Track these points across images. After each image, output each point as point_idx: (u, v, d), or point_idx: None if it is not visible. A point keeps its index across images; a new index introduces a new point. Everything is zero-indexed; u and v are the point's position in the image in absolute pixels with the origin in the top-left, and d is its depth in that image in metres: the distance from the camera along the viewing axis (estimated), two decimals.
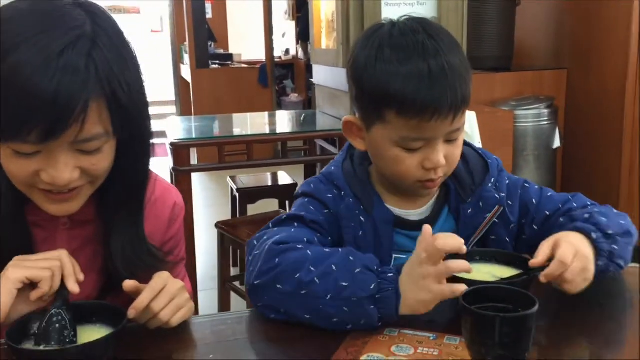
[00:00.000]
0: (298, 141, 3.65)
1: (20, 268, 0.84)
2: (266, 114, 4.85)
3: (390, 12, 2.98)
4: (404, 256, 1.00)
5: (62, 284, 0.85)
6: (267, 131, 3.38)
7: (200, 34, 6.47)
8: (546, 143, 3.49)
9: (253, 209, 3.36)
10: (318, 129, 3.26)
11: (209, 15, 7.42)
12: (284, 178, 3.54)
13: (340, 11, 2.99)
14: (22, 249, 0.91)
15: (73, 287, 0.85)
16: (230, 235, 2.72)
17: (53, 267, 0.85)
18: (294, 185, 3.37)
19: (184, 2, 6.50)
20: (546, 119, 3.46)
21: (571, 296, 0.95)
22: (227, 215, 3.61)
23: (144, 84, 0.91)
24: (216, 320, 1.04)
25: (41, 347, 0.80)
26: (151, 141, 0.97)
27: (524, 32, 3.90)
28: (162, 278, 0.94)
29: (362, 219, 1.07)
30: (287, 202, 3.43)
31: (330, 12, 3.32)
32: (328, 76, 3.39)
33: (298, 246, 0.97)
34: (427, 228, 0.92)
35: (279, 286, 0.93)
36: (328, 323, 0.91)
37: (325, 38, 3.45)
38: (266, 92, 6.65)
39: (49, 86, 0.77)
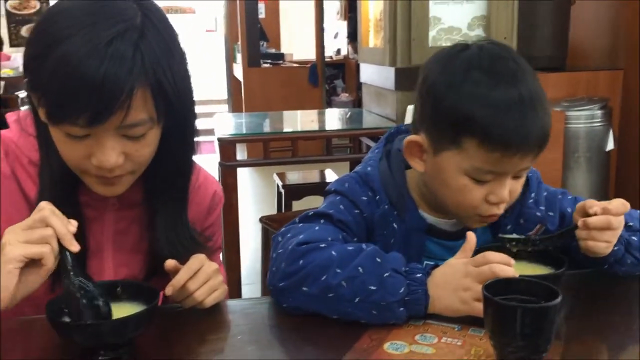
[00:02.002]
0: (344, 139, 3.66)
1: (18, 246, 0.80)
2: (314, 111, 4.88)
3: (439, 10, 2.97)
4: (433, 263, 0.99)
5: (61, 247, 0.82)
6: (314, 128, 3.41)
7: (253, 34, 6.57)
8: (599, 145, 3.39)
9: (298, 206, 3.40)
10: (364, 127, 3.27)
11: (261, 15, 7.53)
12: (331, 176, 3.56)
13: (387, 10, 2.99)
14: None
15: (72, 247, 0.83)
16: (274, 230, 2.76)
17: (47, 236, 0.81)
18: None
19: (238, 2, 6.61)
20: (599, 120, 3.36)
21: (593, 294, 0.96)
22: (272, 211, 3.67)
23: (190, 75, 0.95)
24: (246, 304, 1.07)
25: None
26: (196, 129, 1.01)
27: (578, 32, 3.80)
28: (198, 259, 0.98)
29: (395, 225, 1.06)
30: None
31: (378, 11, 3.33)
32: (375, 75, 3.39)
33: (321, 245, 0.96)
34: (471, 237, 0.94)
35: (304, 289, 0.93)
36: (354, 321, 0.92)
37: (372, 37, 3.46)
38: (316, 92, 6.68)
39: (96, 73, 0.81)
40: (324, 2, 6.64)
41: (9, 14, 7.41)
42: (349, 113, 4.02)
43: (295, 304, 0.95)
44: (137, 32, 0.85)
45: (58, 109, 0.85)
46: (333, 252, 0.95)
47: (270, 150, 2.85)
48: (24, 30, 7.47)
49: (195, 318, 0.97)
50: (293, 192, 3.40)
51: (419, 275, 0.92)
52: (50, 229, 0.81)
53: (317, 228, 1.02)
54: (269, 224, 2.80)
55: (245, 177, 5.69)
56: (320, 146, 5.86)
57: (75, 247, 0.83)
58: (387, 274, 0.91)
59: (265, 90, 6.43)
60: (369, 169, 1.10)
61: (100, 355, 0.83)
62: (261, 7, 7.53)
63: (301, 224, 1.04)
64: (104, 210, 1.04)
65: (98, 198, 1.00)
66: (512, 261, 0.90)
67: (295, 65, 7.21)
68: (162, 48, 0.88)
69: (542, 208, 1.10)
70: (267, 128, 3.45)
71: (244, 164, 3.57)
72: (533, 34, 3.51)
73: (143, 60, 0.85)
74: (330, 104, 7.63)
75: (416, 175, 1.09)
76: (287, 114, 3.79)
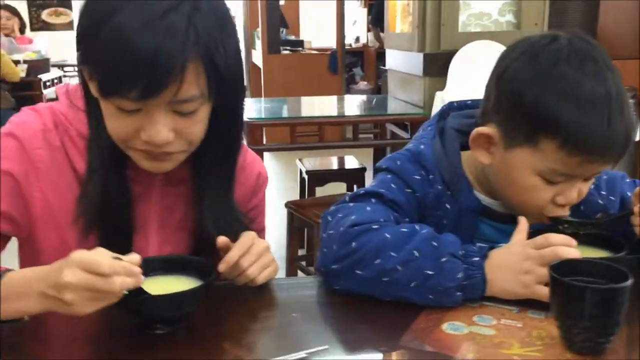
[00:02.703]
0: (366, 125, 3.64)
1: (86, 305, 0.76)
2: (335, 97, 4.85)
3: None
4: (486, 245, 0.97)
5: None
6: (338, 113, 3.39)
7: (273, 20, 6.54)
8: None
9: (320, 192, 3.38)
10: (389, 113, 3.24)
11: (281, 2, 7.50)
12: (351, 162, 3.54)
13: None
14: (121, 202, 0.95)
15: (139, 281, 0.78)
16: (300, 215, 2.75)
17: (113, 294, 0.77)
18: (362, 169, 3.38)
19: None
20: None
21: None
22: (295, 197, 3.65)
23: (240, 51, 0.93)
24: (295, 283, 1.06)
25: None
26: (244, 107, 0.99)
27: (607, 20, 3.74)
28: (250, 236, 0.97)
29: (448, 206, 1.04)
30: (354, 186, 3.43)
31: None
32: (401, 60, 3.36)
33: (374, 227, 0.94)
34: (523, 220, 0.93)
35: (358, 272, 0.92)
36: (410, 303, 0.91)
37: (399, 22, 3.42)
38: (335, 79, 6.65)
39: (149, 45, 0.79)
40: None
41: None
42: (374, 99, 4.00)
43: (348, 287, 0.94)
44: (191, 5, 0.84)
45: (110, 82, 0.83)
46: (387, 234, 0.93)
47: (297, 135, 2.83)
48: (45, 14, 7.50)
49: (244, 295, 0.96)
50: (316, 177, 3.39)
51: (476, 258, 0.91)
52: (115, 285, 0.75)
53: (368, 208, 1.00)
54: (295, 209, 2.79)
55: (265, 162, 5.68)
56: (339, 132, 5.86)
57: (140, 280, 0.78)
58: (444, 259, 0.90)
59: (284, 77, 6.41)
60: (422, 147, 1.07)
61: (156, 328, 0.83)
62: None
63: (352, 204, 1.02)
64: (150, 186, 1.03)
65: (145, 174, 0.98)
66: (574, 242, 0.88)
67: (314, 52, 7.18)
68: (215, 22, 0.86)
69: (604, 193, 1.07)
70: (291, 112, 3.43)
71: (272, 149, 3.54)
72: (562, 21, 3.46)
73: (197, 34, 0.83)
74: (348, 92, 7.60)
75: (472, 156, 1.05)
76: (308, 99, 3.77)
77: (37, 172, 0.96)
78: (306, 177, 3.37)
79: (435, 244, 0.91)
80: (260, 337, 0.87)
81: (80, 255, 0.75)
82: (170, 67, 0.81)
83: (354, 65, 8.53)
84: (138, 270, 0.77)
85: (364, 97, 4.72)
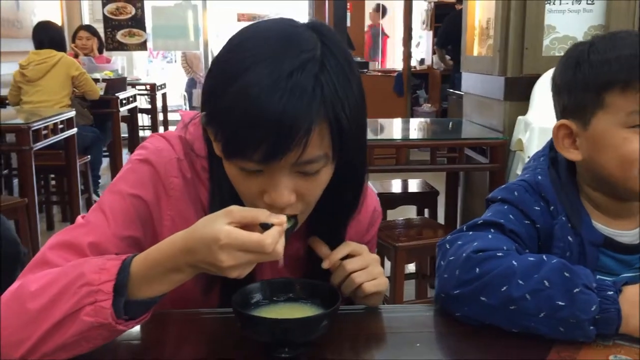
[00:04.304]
0: (442, 150, 3.59)
1: (233, 270, 0.77)
2: (408, 120, 4.83)
3: (555, 18, 2.87)
4: (609, 279, 0.93)
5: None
6: (414, 136, 3.37)
7: None
8: None
9: (391, 215, 3.35)
10: (464, 137, 3.19)
11: (347, 24, 7.56)
12: (423, 185, 3.50)
13: (499, 17, 2.91)
14: None
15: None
16: (378, 238, 2.73)
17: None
18: (435, 192, 3.33)
19: (326, 11, 6.66)
20: None
21: None
22: None
23: (365, 104, 0.89)
24: (410, 310, 1.04)
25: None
26: (366, 163, 0.97)
27: None
28: (359, 245, 0.97)
29: (570, 239, 1.01)
30: (425, 210, 3.39)
31: (485, 18, 3.25)
32: (478, 84, 3.31)
33: (498, 254, 0.91)
34: None
35: (483, 298, 0.89)
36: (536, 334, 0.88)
37: (477, 45, 3.38)
38: (401, 101, 6.64)
39: (276, 107, 0.77)
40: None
41: (106, 19, 7.76)
42: (450, 123, 3.95)
43: (471, 314, 0.91)
44: (318, 64, 0.81)
45: (234, 143, 0.82)
46: (514, 262, 0.90)
47: (375, 157, 2.82)
48: (120, 35, 7.80)
49: (354, 320, 0.95)
50: (388, 200, 3.36)
51: (610, 292, 0.86)
52: (279, 254, 0.78)
53: (490, 237, 0.97)
54: None
55: None
56: (404, 156, 5.82)
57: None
58: (577, 290, 0.86)
59: None
60: (539, 177, 1.05)
61: (283, 352, 0.82)
62: (347, 15, 7.55)
63: (471, 232, 1.00)
64: None
65: None
66: None
67: (379, 74, 7.19)
68: (341, 80, 0.83)
69: None
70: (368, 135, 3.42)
71: None
72: None
73: (323, 94, 0.80)
74: (412, 115, 7.56)
75: (583, 180, 1.04)
76: (382, 121, 3.75)
77: (169, 200, 0.96)
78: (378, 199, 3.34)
79: (567, 274, 0.88)
80: None
81: (234, 235, 0.74)
82: (295, 130, 0.78)
83: (418, 87, 8.49)
84: (286, 226, 0.79)
85: (435, 120, 4.68)
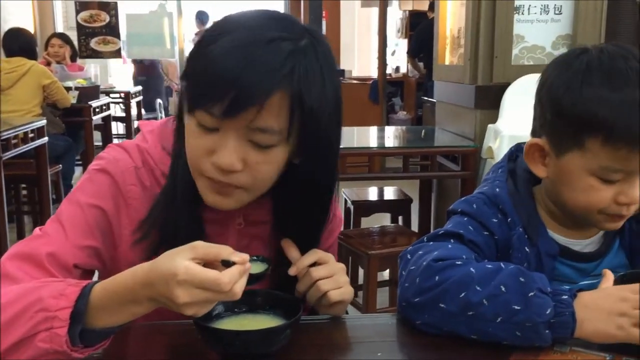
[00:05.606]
0: (415, 157, 3.62)
1: (191, 308, 0.75)
2: (383, 127, 4.85)
3: (523, 28, 2.92)
4: (567, 286, 0.95)
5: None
6: (387, 144, 3.39)
7: None
8: None
9: (366, 222, 3.37)
10: (437, 145, 3.22)
11: (323, 32, 7.60)
12: (397, 193, 3.52)
13: (469, 27, 2.96)
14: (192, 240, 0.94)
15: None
16: (349, 246, 2.74)
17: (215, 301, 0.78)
18: (409, 200, 3.36)
19: (301, 18, 6.68)
20: None
21: None
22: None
23: (340, 120, 0.91)
24: (370, 320, 1.04)
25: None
26: (336, 167, 0.98)
27: None
28: (326, 254, 0.98)
29: (527, 249, 1.03)
30: (399, 218, 3.41)
31: (456, 27, 3.30)
32: (451, 92, 3.35)
33: (457, 262, 0.93)
34: (608, 273, 0.93)
35: (442, 305, 0.90)
36: (495, 342, 0.89)
37: (449, 54, 3.42)
38: (376, 109, 6.67)
39: (240, 64, 0.81)
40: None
41: (79, 27, 7.68)
42: (423, 130, 3.98)
43: (431, 321, 0.92)
44: (297, 47, 0.85)
45: (198, 95, 0.85)
46: (472, 269, 0.92)
47: (347, 165, 2.83)
48: (94, 43, 7.73)
49: (318, 329, 0.95)
50: (362, 208, 3.38)
51: (565, 297, 0.88)
52: (236, 294, 0.76)
53: (449, 246, 0.99)
54: (342, 240, 2.77)
55: None
56: (379, 163, 5.85)
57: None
58: (532, 294, 0.87)
59: None
60: (497, 190, 1.07)
61: None
62: (322, 24, 7.59)
63: (431, 242, 1.02)
64: (227, 229, 1.01)
65: (223, 217, 0.98)
66: None
67: (355, 81, 7.22)
68: (315, 70, 0.86)
69: None
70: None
71: None
72: None
73: (292, 70, 0.83)
74: (388, 122, 7.61)
75: (541, 192, 1.06)
76: (356, 129, 3.77)
77: (128, 210, 0.96)
78: (352, 207, 3.36)
79: (522, 279, 0.89)
80: None
81: (192, 272, 0.73)
82: (255, 90, 0.81)
83: (393, 95, 8.55)
84: (249, 266, 0.78)
85: (409, 127, 4.72)
